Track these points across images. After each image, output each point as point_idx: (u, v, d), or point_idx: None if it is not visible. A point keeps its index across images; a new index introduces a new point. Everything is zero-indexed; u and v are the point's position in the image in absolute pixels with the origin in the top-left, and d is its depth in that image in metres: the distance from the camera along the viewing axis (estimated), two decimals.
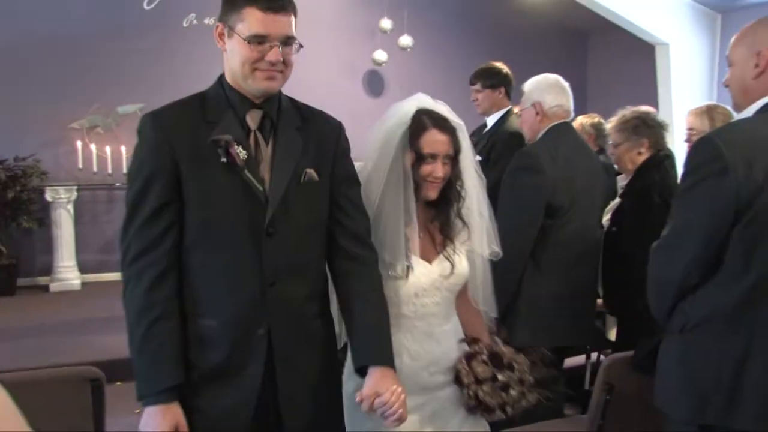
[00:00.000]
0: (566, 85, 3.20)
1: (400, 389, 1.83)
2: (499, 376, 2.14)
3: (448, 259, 2.19)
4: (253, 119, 1.88)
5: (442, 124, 2.14)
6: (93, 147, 7.62)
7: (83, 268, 7.57)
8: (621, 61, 8.50)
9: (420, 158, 2.10)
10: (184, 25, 7.95)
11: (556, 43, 9.38)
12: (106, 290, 6.83)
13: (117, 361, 4.18)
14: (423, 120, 2.12)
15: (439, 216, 2.23)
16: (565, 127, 3.17)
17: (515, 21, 9.09)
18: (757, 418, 1.86)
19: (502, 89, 4.11)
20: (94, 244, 7.73)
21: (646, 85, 7.43)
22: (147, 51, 7.68)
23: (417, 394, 2.09)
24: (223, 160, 1.77)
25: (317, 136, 1.96)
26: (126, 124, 7.46)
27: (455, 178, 2.17)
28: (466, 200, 2.23)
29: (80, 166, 7.57)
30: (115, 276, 7.59)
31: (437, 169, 2.11)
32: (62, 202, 7.36)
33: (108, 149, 7.64)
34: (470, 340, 2.25)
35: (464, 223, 2.22)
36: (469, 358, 2.18)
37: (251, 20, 1.77)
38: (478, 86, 4.10)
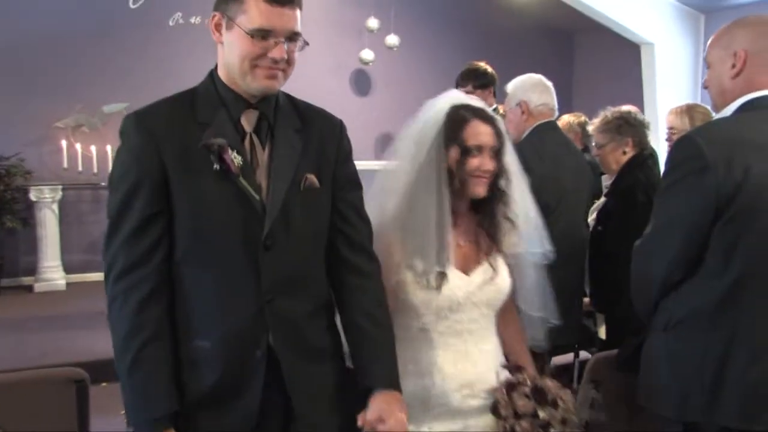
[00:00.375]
0: (550, 84, 3.23)
1: (404, 417, 1.71)
2: (541, 413, 1.93)
3: (492, 267, 2.02)
4: (248, 120, 1.72)
5: (482, 114, 2.02)
6: (78, 146, 7.57)
7: (68, 268, 7.52)
8: (607, 60, 8.54)
9: (465, 152, 1.96)
10: (170, 23, 7.92)
11: (543, 42, 9.41)
12: (91, 290, 6.78)
13: (102, 362, 4.14)
14: (461, 113, 2.00)
15: (485, 218, 2.05)
16: (550, 126, 3.19)
17: (501, 20, 9.11)
18: (739, 414, 1.88)
19: (491, 89, 4.13)
20: (79, 243, 7.68)
21: (632, 84, 7.48)
22: (133, 50, 7.64)
23: (446, 419, 1.97)
24: (216, 167, 1.61)
25: (318, 138, 1.81)
26: (112, 123, 7.40)
27: (500, 175, 2.02)
28: (513, 198, 2.06)
29: (65, 165, 7.50)
30: (101, 276, 7.54)
31: (485, 162, 1.96)
32: (47, 201, 7.30)
33: (93, 148, 7.58)
34: (513, 367, 2.06)
35: (512, 223, 2.05)
36: (510, 388, 1.98)
37: (255, 12, 1.62)
38: (469, 87, 4.10)
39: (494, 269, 2.02)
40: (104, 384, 3.67)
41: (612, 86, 7.74)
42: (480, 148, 1.97)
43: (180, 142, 1.65)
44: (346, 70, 9.09)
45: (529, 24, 9.17)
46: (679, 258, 1.94)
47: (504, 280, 2.04)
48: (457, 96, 2.09)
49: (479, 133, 1.97)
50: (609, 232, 3.17)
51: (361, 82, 9.11)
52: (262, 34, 1.63)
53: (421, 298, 1.95)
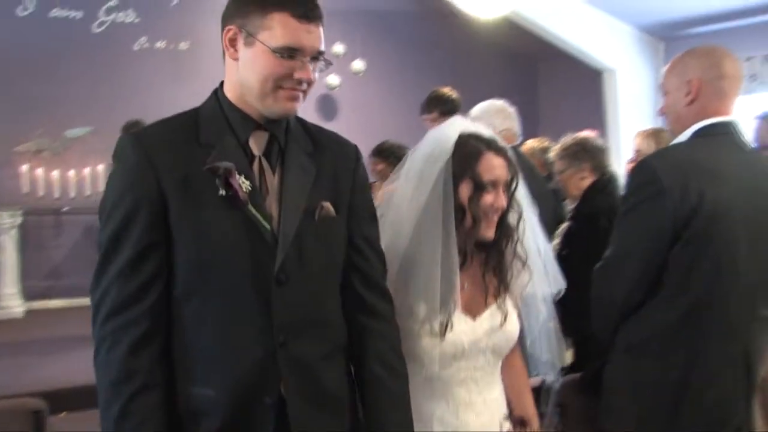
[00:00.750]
0: (513, 109, 3.28)
1: None
2: None
3: (500, 311, 1.85)
4: (257, 143, 1.57)
5: (495, 145, 1.84)
6: (40, 171, 7.43)
7: (28, 295, 7.33)
8: (570, 86, 8.68)
9: (479, 188, 1.78)
10: (135, 48, 7.87)
11: (507, 68, 9.54)
12: (51, 318, 6.65)
13: (62, 391, 4.08)
14: (473, 144, 1.82)
15: (493, 258, 1.88)
16: (516, 152, 3.23)
17: (467, 47, 9.22)
18: None
19: (456, 115, 4.16)
20: (40, 270, 7.50)
21: (595, 110, 7.61)
22: (96, 74, 7.55)
23: None
24: (222, 192, 1.46)
25: (331, 163, 1.65)
26: (75, 147, 7.32)
27: (508, 210, 1.85)
28: (524, 233, 1.89)
29: (26, 190, 7.36)
30: (62, 303, 7.41)
31: (499, 199, 1.80)
32: (5, 227, 7.13)
33: (56, 173, 7.45)
34: (517, 420, 1.94)
35: (523, 262, 1.88)
36: None
37: (282, 29, 1.48)
38: (434, 114, 4.11)
39: (503, 313, 1.86)
40: (63, 414, 3.60)
41: (576, 111, 7.86)
42: (494, 184, 1.80)
43: (182, 166, 1.49)
44: (312, 95, 8.85)
45: (494, 50, 9.30)
46: (638, 281, 1.97)
47: (513, 325, 1.89)
48: (463, 124, 1.92)
49: (493, 166, 1.81)
50: (573, 256, 3.19)
51: (327, 107, 9.12)
52: (289, 53, 1.49)
53: (424, 346, 1.80)
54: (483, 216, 1.80)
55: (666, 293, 1.95)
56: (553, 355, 2.01)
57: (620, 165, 4.28)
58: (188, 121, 1.57)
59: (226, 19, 1.57)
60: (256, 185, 1.53)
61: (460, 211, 1.80)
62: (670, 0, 6.26)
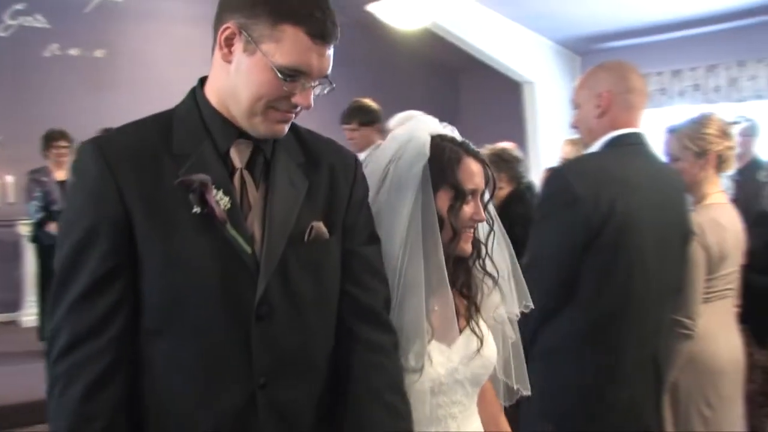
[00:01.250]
0: None
1: None
2: None
3: (476, 335, 1.62)
4: (239, 153, 1.35)
5: (473, 150, 1.65)
6: None
7: None
8: (491, 97, 8.82)
9: (459, 196, 1.57)
10: (46, 54, 7.55)
11: (429, 79, 9.62)
12: None
13: (7, 408, 3.88)
14: (450, 147, 1.61)
15: (461, 276, 1.67)
16: None
17: (389, 58, 9.25)
18: None
19: (377, 125, 4.15)
20: None
21: (515, 121, 7.74)
22: (2, 80, 7.21)
23: None
24: (197, 210, 1.25)
25: (327, 175, 1.43)
26: None
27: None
28: (494, 248, 1.68)
29: None
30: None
31: (479, 210, 1.60)
32: None
33: None
34: None
35: (494, 280, 1.66)
36: None
37: (292, 46, 1.26)
38: (354, 125, 4.12)
39: (479, 337, 1.64)
40: None
41: (496, 122, 7.98)
42: (474, 193, 1.61)
43: (150, 179, 1.28)
44: None
45: (415, 61, 9.36)
46: (553, 288, 2.01)
47: (491, 349, 1.67)
48: (428, 122, 1.69)
49: (473, 173, 1.61)
50: None
51: None
52: (293, 75, 1.28)
53: None
54: (462, 230, 1.59)
55: (580, 299, 1.98)
56: (522, 382, 1.77)
57: (539, 175, 4.37)
58: (160, 127, 1.35)
59: (226, 12, 1.31)
60: (237, 202, 1.31)
61: (434, 225, 1.58)
62: (586, 15, 6.44)
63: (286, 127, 1.37)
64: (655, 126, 5.46)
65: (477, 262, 1.67)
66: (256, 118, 1.32)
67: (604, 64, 2.24)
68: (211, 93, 1.37)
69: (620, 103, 2.13)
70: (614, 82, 2.15)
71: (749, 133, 4.79)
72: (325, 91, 1.37)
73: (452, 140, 1.65)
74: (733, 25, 5.91)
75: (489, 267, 1.67)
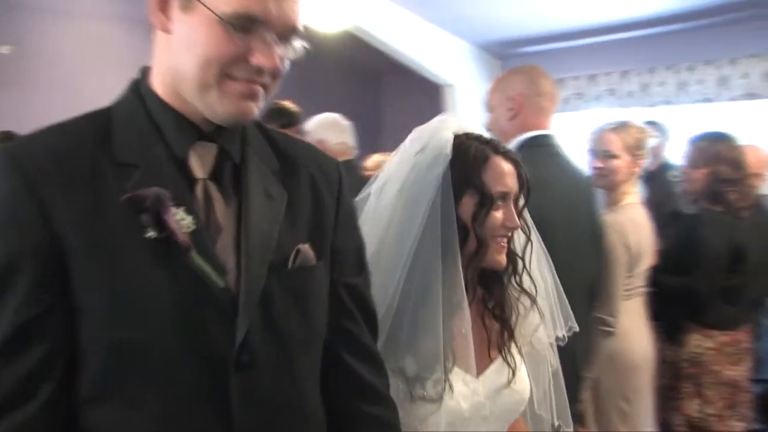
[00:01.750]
0: (347, 123, 3.34)
1: None
2: None
3: (508, 366, 1.44)
4: (201, 160, 1.09)
5: (503, 149, 1.48)
6: None
7: None
8: (412, 100, 8.85)
9: (486, 202, 1.39)
10: None
11: (350, 82, 9.59)
12: None
13: None
14: (476, 146, 1.44)
15: (495, 295, 1.48)
16: (351, 165, 3.26)
17: (309, 60, 9.18)
18: None
19: (295, 128, 4.13)
20: None
21: None
22: None
23: None
24: (151, 234, 0.99)
25: (309, 186, 1.19)
26: None
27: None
28: (531, 263, 1.49)
29: None
30: None
31: (511, 216, 1.42)
32: None
33: None
34: None
35: (532, 299, 1.48)
36: None
37: None
38: (273, 126, 4.07)
39: (511, 368, 1.45)
40: None
41: (418, 125, 8.00)
42: (505, 196, 1.43)
43: (86, 195, 1.00)
44: None
45: (336, 64, 9.33)
46: None
47: (524, 383, 1.49)
48: (457, 121, 1.53)
49: (504, 174, 1.43)
50: None
51: None
52: (245, 25, 1.01)
53: (414, 416, 1.35)
54: (491, 239, 1.40)
55: None
56: (564, 417, 1.57)
57: None
58: (95, 128, 1.06)
59: None
60: (202, 221, 1.05)
61: (461, 232, 1.41)
62: (506, 20, 6.54)
63: (255, 107, 1.08)
64: (573, 128, 5.61)
65: (513, 278, 1.48)
66: (211, 93, 1.04)
67: (516, 69, 2.35)
68: (158, 81, 1.10)
69: (531, 106, 2.22)
70: (525, 86, 2.25)
71: (661, 137, 4.99)
72: (299, 53, 1.10)
73: (478, 138, 1.48)
74: (644, 33, 6.12)
75: (526, 283, 1.48)
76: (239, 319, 1.04)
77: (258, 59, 1.03)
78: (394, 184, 1.47)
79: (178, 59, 1.05)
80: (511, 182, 1.45)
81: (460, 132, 1.49)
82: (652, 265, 3.03)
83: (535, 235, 1.53)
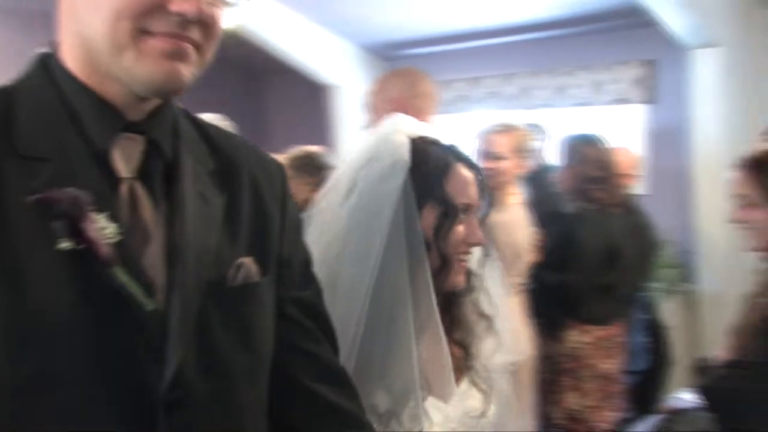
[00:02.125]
0: (228, 123, 3.28)
1: None
2: None
3: (478, 388, 1.34)
4: (125, 155, 0.90)
5: (464, 156, 1.34)
6: None
7: None
8: (297, 100, 8.78)
9: (449, 214, 1.26)
10: None
11: (236, 81, 9.41)
12: None
13: None
14: (436, 153, 1.29)
15: (453, 317, 1.35)
16: None
17: None
18: None
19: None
20: None
21: (321, 124, 7.76)
22: None
23: None
24: (66, 245, 0.80)
25: (249, 189, 1.02)
26: None
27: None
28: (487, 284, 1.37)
29: None
30: None
31: (475, 230, 1.29)
32: None
33: None
34: None
35: (489, 322, 1.36)
36: None
37: None
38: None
39: (484, 391, 1.37)
40: None
41: (302, 125, 7.93)
42: (468, 209, 1.29)
43: None
44: None
45: (221, 63, 9.11)
46: None
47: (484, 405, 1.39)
48: (409, 124, 1.35)
49: (467, 183, 1.30)
50: None
51: None
52: None
53: None
54: (453, 257, 1.28)
55: None
56: None
57: None
58: None
59: None
60: (126, 230, 0.86)
61: (421, 250, 1.26)
62: (392, 22, 6.59)
63: (184, 69, 0.88)
64: (457, 130, 5.72)
65: (470, 300, 1.35)
66: (127, 55, 0.84)
67: (396, 71, 2.46)
68: (69, 56, 0.89)
69: (410, 107, 2.28)
70: (404, 88, 2.34)
71: (541, 139, 5.16)
72: (232, 5, 0.91)
73: (436, 143, 1.34)
74: (526, 37, 6.31)
75: (485, 304, 1.35)
76: (169, 348, 0.85)
77: (177, 4, 0.83)
78: (345, 199, 1.30)
79: (85, 21, 0.85)
80: (473, 193, 1.31)
81: (415, 136, 1.33)
82: (534, 262, 3.12)
83: (493, 250, 1.41)
